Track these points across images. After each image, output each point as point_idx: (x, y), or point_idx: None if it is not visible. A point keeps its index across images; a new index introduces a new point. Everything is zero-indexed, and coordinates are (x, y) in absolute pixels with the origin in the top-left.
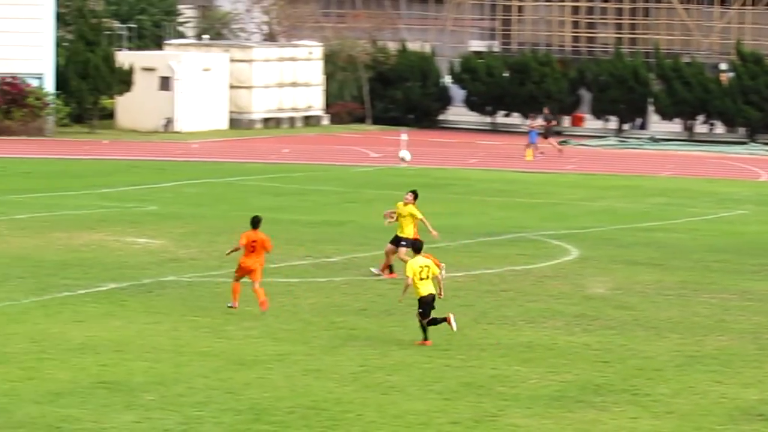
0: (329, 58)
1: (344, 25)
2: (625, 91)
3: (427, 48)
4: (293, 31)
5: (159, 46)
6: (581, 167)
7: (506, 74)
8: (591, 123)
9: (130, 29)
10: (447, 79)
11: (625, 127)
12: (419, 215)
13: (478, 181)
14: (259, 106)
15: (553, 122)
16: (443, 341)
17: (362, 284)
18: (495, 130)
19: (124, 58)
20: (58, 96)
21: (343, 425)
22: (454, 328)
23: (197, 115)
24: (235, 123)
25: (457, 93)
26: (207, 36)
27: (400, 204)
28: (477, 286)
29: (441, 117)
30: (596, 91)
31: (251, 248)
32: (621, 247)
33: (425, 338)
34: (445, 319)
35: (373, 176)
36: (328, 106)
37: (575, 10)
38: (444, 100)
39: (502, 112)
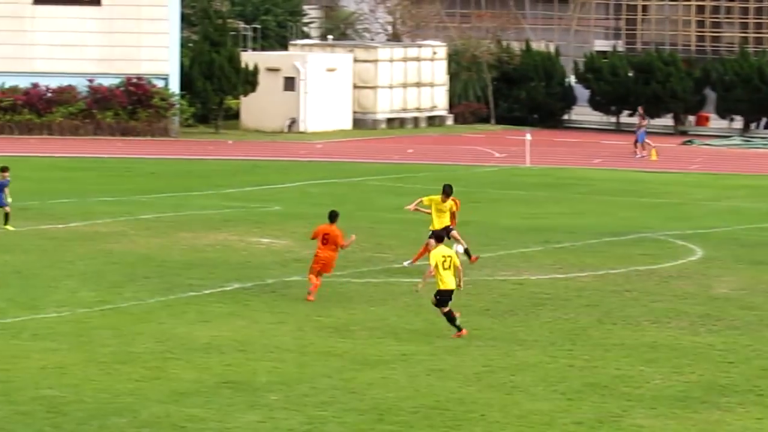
0: (453, 58)
1: (468, 24)
2: (750, 91)
3: (551, 48)
4: (417, 31)
5: (283, 46)
6: (706, 167)
7: (630, 74)
8: (716, 122)
9: (254, 30)
10: (571, 79)
11: (751, 126)
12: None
13: (602, 180)
14: (383, 106)
15: (644, 122)
16: (567, 341)
17: (485, 284)
18: (619, 129)
19: (249, 58)
20: (183, 96)
21: (466, 425)
22: (457, 336)
23: (321, 116)
24: (358, 123)
25: (582, 93)
26: (331, 36)
27: (435, 197)
28: (601, 286)
29: (565, 117)
30: (721, 91)
31: (324, 240)
32: (746, 246)
33: (459, 329)
34: (459, 328)
35: (496, 176)
36: (452, 106)
37: (700, 9)
38: (568, 99)
39: (627, 112)
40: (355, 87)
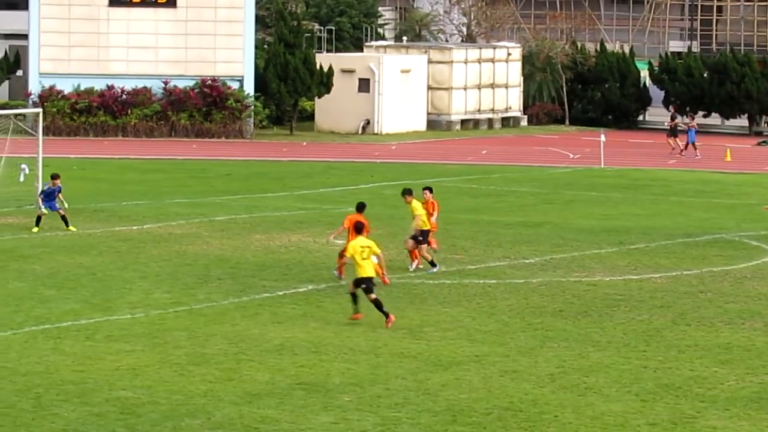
0: (528, 59)
1: (543, 26)
2: None
3: (626, 48)
4: (492, 33)
5: (358, 48)
6: None
7: (705, 75)
8: None
9: (329, 31)
10: (646, 80)
11: None
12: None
13: (676, 182)
14: (457, 108)
15: (677, 121)
16: (641, 342)
17: (559, 285)
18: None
19: (324, 60)
20: (257, 98)
21: (539, 427)
22: (388, 326)
23: (396, 117)
24: (433, 124)
25: (656, 93)
26: (406, 38)
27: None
28: (675, 287)
29: (640, 118)
30: None
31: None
32: None
33: (356, 311)
34: (387, 315)
35: (571, 177)
36: (527, 107)
37: None
38: (643, 100)
39: (701, 113)
40: (430, 88)
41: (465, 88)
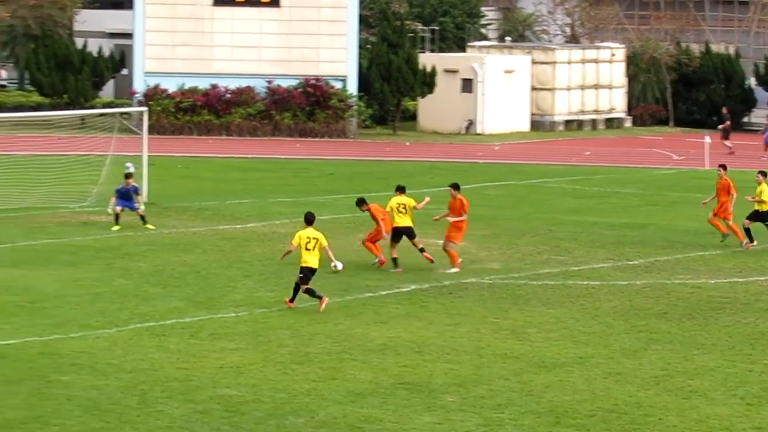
0: (632, 60)
1: (647, 26)
2: None
3: (731, 50)
4: (596, 33)
5: (461, 48)
6: None
7: None
8: None
9: (432, 31)
10: (751, 81)
11: None
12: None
13: None
14: (560, 108)
15: (728, 123)
16: (746, 345)
17: (663, 287)
18: None
19: (427, 60)
20: (360, 98)
21: (643, 429)
22: (321, 309)
23: (499, 117)
24: (536, 125)
25: (762, 95)
26: (509, 38)
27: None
28: None
29: (745, 119)
30: None
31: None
32: None
33: (292, 299)
34: (320, 298)
35: (675, 179)
36: (630, 108)
37: None
38: (748, 102)
39: None
40: (533, 89)
41: (568, 89)
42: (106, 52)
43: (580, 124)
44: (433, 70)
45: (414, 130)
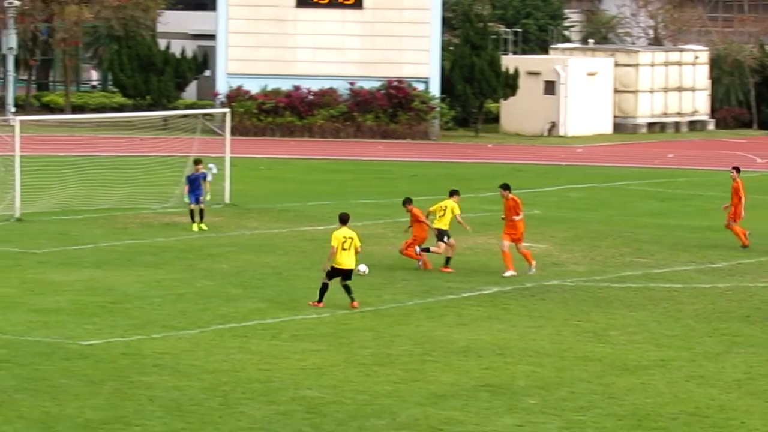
0: (715, 63)
1: (731, 29)
2: None
3: None
4: (679, 36)
5: (544, 50)
6: None
7: None
8: None
9: (515, 33)
10: None
11: None
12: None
13: None
14: (643, 111)
15: None
16: None
17: (747, 291)
18: None
19: (509, 62)
20: (443, 100)
21: None
22: (355, 307)
23: (581, 120)
24: (619, 127)
25: None
26: (592, 40)
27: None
28: None
29: None
30: None
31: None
32: None
33: (320, 300)
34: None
35: (758, 182)
36: (714, 111)
37: None
38: None
39: None
40: (616, 91)
41: (651, 91)
42: (189, 54)
43: (662, 126)
44: (516, 72)
45: (496, 132)
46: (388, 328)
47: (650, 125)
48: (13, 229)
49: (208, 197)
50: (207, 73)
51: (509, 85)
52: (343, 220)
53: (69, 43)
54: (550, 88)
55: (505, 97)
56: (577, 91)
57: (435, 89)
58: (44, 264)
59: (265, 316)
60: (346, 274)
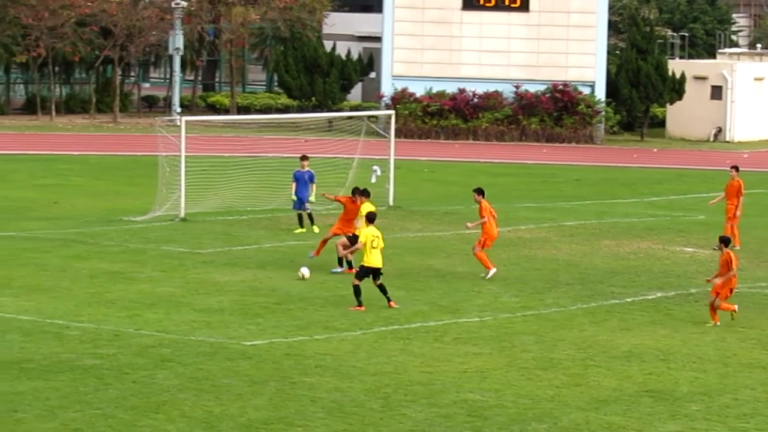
0: None
1: None
2: None
3: None
4: None
5: (711, 54)
6: None
7: None
8: None
9: (682, 38)
10: None
11: None
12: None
13: None
14: None
15: None
16: None
17: None
18: None
19: (676, 66)
20: (608, 104)
21: None
22: (395, 306)
23: (748, 125)
24: None
25: None
26: (760, 45)
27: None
28: None
29: None
30: None
31: (368, 219)
32: None
33: (359, 304)
34: (389, 299)
35: None
36: None
37: None
38: None
39: None
40: None
41: None
42: (355, 55)
43: None
44: (682, 76)
45: (662, 137)
46: (551, 332)
47: None
48: (177, 228)
49: (312, 198)
50: (372, 75)
51: (675, 89)
52: (371, 219)
53: (235, 44)
54: (717, 92)
55: (671, 102)
56: (744, 96)
57: (600, 93)
58: (208, 264)
59: (428, 319)
60: (376, 274)
